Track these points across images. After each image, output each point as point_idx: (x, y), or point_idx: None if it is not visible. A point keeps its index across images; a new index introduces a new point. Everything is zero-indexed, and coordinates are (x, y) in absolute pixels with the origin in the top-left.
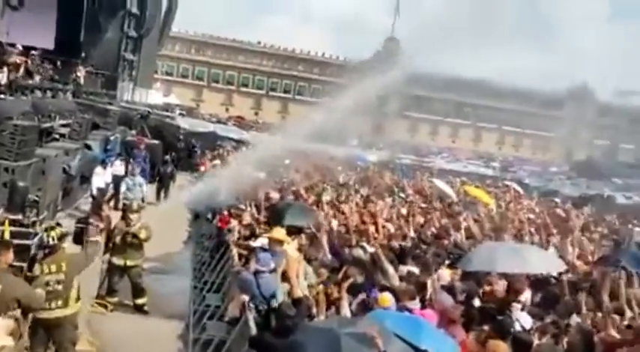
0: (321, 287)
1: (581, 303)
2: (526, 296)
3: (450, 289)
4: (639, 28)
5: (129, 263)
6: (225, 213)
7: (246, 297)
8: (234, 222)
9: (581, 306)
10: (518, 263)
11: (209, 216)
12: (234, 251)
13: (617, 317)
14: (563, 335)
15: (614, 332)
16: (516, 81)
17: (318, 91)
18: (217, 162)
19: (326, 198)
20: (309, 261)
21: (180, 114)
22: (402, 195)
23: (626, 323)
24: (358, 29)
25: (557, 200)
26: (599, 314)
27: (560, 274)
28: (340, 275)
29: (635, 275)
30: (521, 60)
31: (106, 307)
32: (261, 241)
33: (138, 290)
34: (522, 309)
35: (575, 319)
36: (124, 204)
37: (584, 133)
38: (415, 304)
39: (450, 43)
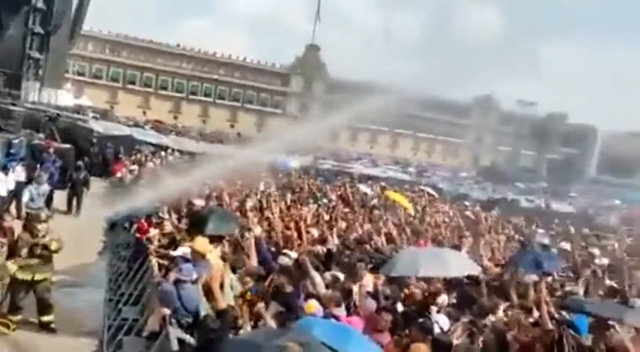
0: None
1: (497, 303)
2: (443, 298)
3: (374, 294)
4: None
5: (37, 277)
6: (144, 221)
7: (166, 310)
8: (154, 231)
9: (496, 307)
10: (439, 267)
11: (126, 224)
12: (154, 261)
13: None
14: (478, 335)
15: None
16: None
17: (240, 95)
18: (135, 167)
19: (249, 204)
20: (234, 269)
21: (94, 117)
22: (325, 200)
23: (531, 320)
24: (278, 33)
25: (468, 203)
26: (510, 314)
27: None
28: (267, 284)
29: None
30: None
31: (7, 326)
32: (183, 250)
33: (44, 307)
34: (439, 311)
35: (490, 319)
36: (29, 214)
37: (489, 140)
38: (341, 311)
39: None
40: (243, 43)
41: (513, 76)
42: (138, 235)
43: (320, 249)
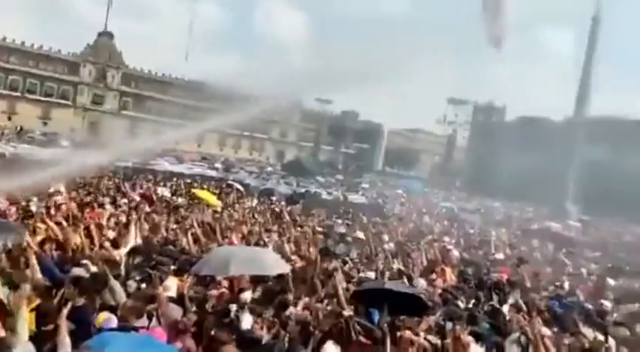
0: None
1: (300, 295)
2: (245, 295)
3: (179, 299)
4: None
5: None
6: None
7: None
8: None
9: (299, 298)
10: (251, 265)
11: None
12: None
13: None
14: (280, 329)
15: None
16: (235, 85)
17: (19, 83)
18: None
19: (33, 209)
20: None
21: None
22: (125, 200)
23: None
24: (66, 18)
25: (274, 198)
26: (312, 304)
27: None
28: (57, 300)
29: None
30: (243, 65)
31: None
32: None
33: None
34: (242, 308)
35: (292, 311)
36: None
37: (292, 136)
38: (143, 322)
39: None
40: (23, 25)
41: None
42: None
43: (117, 254)
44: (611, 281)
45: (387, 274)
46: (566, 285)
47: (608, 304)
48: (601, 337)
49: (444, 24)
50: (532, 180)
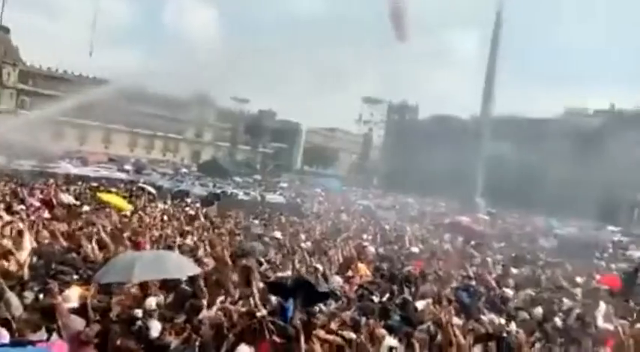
0: None
1: (214, 298)
2: (150, 301)
3: (81, 309)
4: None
5: None
6: None
7: None
8: None
9: (213, 301)
10: (156, 270)
11: None
12: None
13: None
14: (192, 333)
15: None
16: (145, 83)
17: None
18: None
19: None
20: None
21: None
22: (23, 206)
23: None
24: None
25: (189, 200)
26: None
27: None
28: None
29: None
30: (149, 61)
31: None
32: None
33: None
34: (150, 315)
35: (204, 314)
36: None
37: (208, 136)
38: (40, 335)
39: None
40: None
41: (231, 75)
42: None
43: (13, 263)
44: (514, 270)
45: (304, 273)
46: (474, 275)
47: (509, 291)
48: (503, 321)
49: (355, 23)
50: (444, 176)
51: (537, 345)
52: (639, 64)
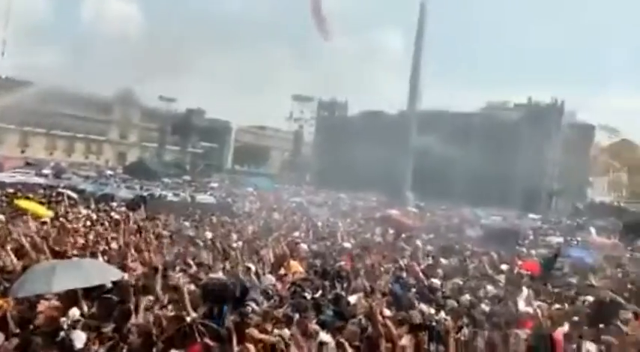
0: None
1: (140, 304)
2: (73, 311)
3: (0, 322)
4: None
5: None
6: None
7: None
8: None
9: (138, 307)
10: (77, 278)
11: None
12: None
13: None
14: (119, 341)
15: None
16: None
17: None
18: None
19: None
20: None
21: None
22: None
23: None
24: None
25: (115, 204)
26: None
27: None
28: None
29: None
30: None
31: None
32: None
33: None
34: (74, 327)
35: (132, 322)
36: None
37: (134, 136)
38: None
39: None
40: None
41: (156, 74)
42: None
43: None
44: (443, 260)
45: (238, 273)
46: (405, 267)
47: (437, 281)
48: (433, 311)
49: (284, 21)
50: (374, 170)
51: (464, 331)
52: (556, 61)
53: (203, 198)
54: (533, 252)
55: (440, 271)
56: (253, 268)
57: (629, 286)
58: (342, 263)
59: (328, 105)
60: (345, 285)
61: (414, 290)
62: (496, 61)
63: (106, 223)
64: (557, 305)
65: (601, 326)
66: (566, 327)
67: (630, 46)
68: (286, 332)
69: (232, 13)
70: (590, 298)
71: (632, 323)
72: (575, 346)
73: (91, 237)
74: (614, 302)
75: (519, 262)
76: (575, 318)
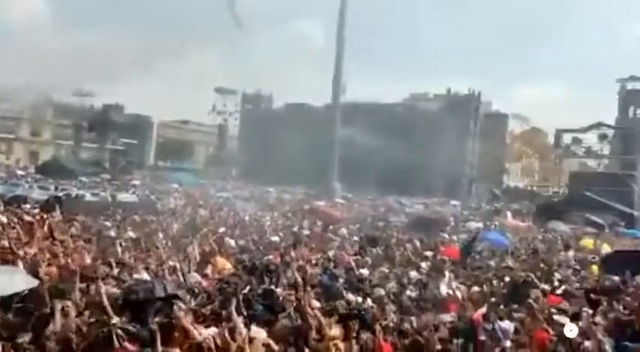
0: None
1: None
2: None
3: None
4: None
5: None
6: None
7: None
8: None
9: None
10: None
11: None
12: None
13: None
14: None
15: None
16: None
17: None
18: None
19: None
20: None
21: None
22: None
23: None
24: None
25: (28, 206)
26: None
27: None
28: None
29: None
30: None
31: None
32: None
33: None
34: None
35: (50, 329)
36: None
37: (47, 134)
38: None
39: None
40: None
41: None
42: None
43: None
44: (370, 250)
45: (162, 273)
46: (333, 258)
47: (365, 271)
48: (360, 300)
49: (205, 14)
50: (301, 163)
51: (392, 316)
52: (473, 55)
53: (125, 196)
54: (454, 237)
55: (368, 260)
56: (179, 266)
57: (541, 266)
58: (271, 257)
59: (253, 98)
60: (274, 279)
61: (342, 280)
62: (416, 54)
63: (18, 227)
64: (476, 288)
65: (515, 306)
66: (484, 308)
67: (541, 43)
68: (214, 329)
69: (149, 4)
70: (507, 279)
71: (541, 300)
72: (491, 326)
73: (5, 242)
74: (526, 282)
75: (442, 248)
76: (493, 299)
